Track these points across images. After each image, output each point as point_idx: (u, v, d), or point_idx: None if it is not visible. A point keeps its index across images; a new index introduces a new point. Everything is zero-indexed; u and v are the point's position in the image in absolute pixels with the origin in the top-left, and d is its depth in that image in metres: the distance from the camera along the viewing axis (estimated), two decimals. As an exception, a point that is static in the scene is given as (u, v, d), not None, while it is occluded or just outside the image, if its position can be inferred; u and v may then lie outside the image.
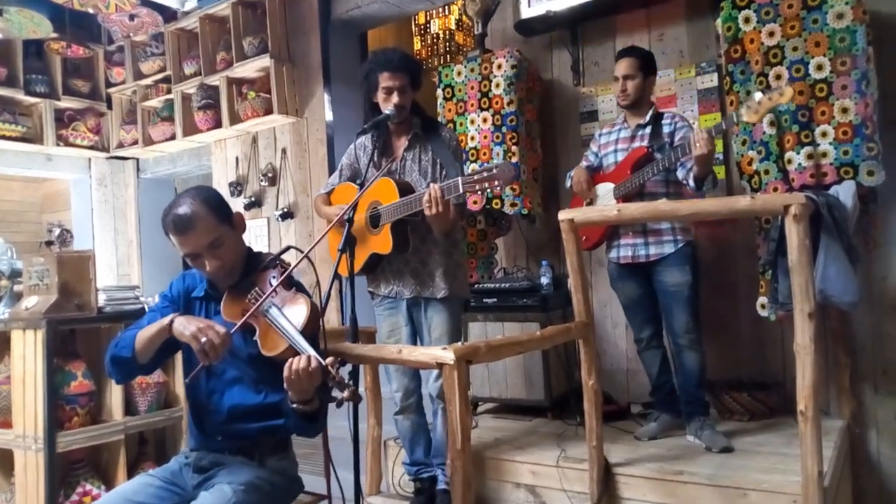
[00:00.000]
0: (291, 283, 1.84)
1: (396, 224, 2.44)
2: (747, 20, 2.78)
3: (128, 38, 5.23)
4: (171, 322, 1.71)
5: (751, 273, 3.03)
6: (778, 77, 2.71)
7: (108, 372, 1.89)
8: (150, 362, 1.82)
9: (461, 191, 2.21)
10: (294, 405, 1.64)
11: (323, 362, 1.58)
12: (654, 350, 2.87)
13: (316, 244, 2.00)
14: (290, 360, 1.58)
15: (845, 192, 2.55)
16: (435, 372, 2.51)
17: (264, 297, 1.74)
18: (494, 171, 2.12)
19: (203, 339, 1.61)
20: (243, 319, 1.71)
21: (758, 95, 2.37)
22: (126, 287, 3.48)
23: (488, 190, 2.18)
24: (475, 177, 2.16)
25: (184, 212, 1.75)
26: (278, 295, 1.77)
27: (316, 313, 1.75)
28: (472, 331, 3.29)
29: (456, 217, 2.48)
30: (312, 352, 1.60)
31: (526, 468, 2.58)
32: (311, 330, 1.70)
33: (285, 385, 1.60)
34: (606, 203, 2.83)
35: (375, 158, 2.60)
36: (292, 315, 1.71)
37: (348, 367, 1.98)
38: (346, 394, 1.58)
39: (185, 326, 1.67)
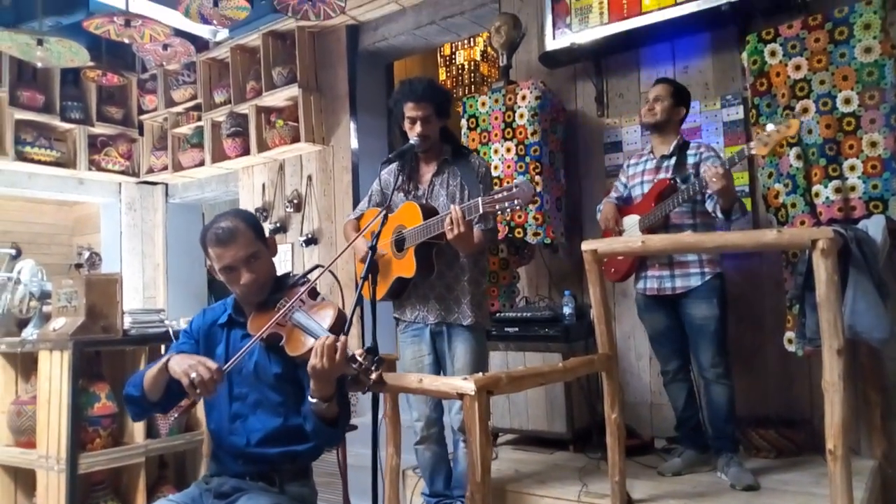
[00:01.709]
0: (317, 295, 1.87)
1: (420, 247, 2.44)
2: (773, 53, 2.78)
3: (161, 67, 5.38)
4: (168, 360, 1.75)
5: (778, 307, 2.98)
6: (805, 110, 2.70)
7: (126, 409, 1.93)
8: (162, 400, 1.84)
9: (481, 210, 2.22)
10: (314, 402, 1.66)
11: (349, 351, 1.61)
12: (680, 383, 2.83)
13: (339, 256, 2.04)
14: (317, 341, 1.61)
15: (875, 227, 2.51)
16: (458, 402, 2.50)
17: (290, 303, 1.77)
18: (514, 190, 2.13)
19: (193, 375, 1.63)
20: (269, 325, 1.74)
21: (769, 127, 2.40)
22: (152, 310, 3.52)
23: (508, 210, 2.18)
24: (495, 196, 2.17)
25: (226, 225, 1.83)
26: (305, 304, 1.80)
27: (343, 317, 1.77)
28: (492, 360, 3.26)
29: (482, 240, 2.48)
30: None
31: (546, 502, 2.53)
32: (338, 331, 1.71)
33: (308, 372, 1.62)
34: (633, 235, 2.82)
35: (402, 184, 2.62)
36: (319, 318, 1.74)
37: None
38: (374, 376, 1.61)
39: (178, 364, 1.70)
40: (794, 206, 2.71)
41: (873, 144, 2.56)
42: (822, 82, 2.68)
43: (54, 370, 2.92)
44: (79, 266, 4.43)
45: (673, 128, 2.86)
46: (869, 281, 2.42)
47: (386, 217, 2.29)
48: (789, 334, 2.74)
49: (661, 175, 2.82)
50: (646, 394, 3.44)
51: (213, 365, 1.67)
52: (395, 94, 2.61)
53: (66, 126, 5.24)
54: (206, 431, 3.15)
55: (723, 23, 3.20)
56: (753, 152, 2.42)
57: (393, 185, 2.57)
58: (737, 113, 3.26)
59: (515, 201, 2.13)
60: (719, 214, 2.57)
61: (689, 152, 2.79)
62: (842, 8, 2.66)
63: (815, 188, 2.66)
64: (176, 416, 1.69)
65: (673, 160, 2.81)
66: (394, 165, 2.67)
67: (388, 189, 2.69)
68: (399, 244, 2.52)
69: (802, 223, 2.67)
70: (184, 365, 1.68)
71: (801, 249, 2.61)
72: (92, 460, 2.90)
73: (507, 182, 3.43)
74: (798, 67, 2.73)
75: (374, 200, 2.76)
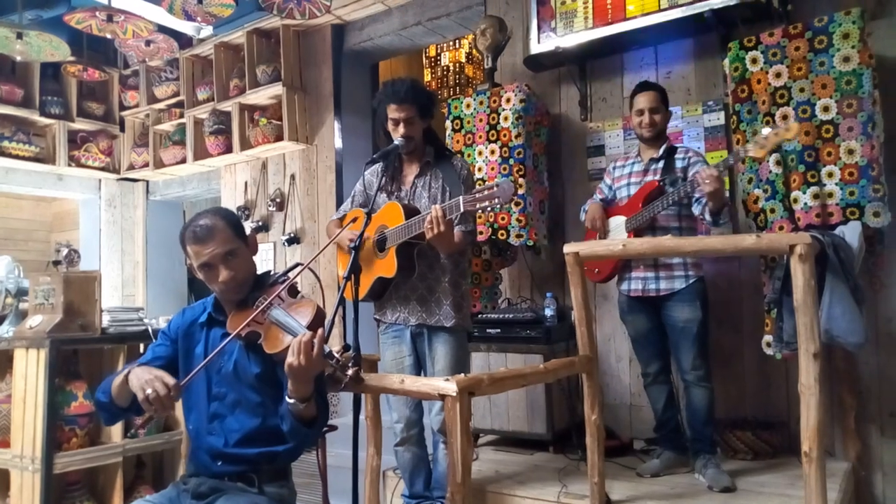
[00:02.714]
0: (297, 293, 1.87)
1: (402, 247, 2.44)
2: (754, 61, 2.82)
3: (143, 63, 5.33)
4: (129, 372, 1.74)
5: (756, 310, 3.02)
6: (785, 117, 2.73)
7: (98, 414, 1.92)
8: (133, 405, 1.82)
9: (462, 208, 2.23)
10: (291, 402, 1.65)
11: (326, 348, 1.61)
12: (661, 385, 2.85)
13: (320, 253, 2.04)
14: (294, 339, 1.60)
15: (851, 233, 2.55)
16: (438, 404, 2.50)
17: (269, 300, 1.77)
18: (495, 189, 2.14)
19: (148, 391, 1.61)
20: (245, 322, 1.73)
21: (765, 131, 2.43)
22: (130, 308, 3.48)
23: (489, 208, 2.19)
24: (476, 195, 2.18)
25: (204, 223, 1.83)
26: (284, 302, 1.80)
27: (322, 315, 1.76)
28: (474, 361, 3.27)
29: (462, 241, 2.49)
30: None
31: (527, 503, 2.54)
32: (317, 329, 1.71)
33: (286, 370, 1.61)
34: (618, 236, 2.83)
35: (385, 185, 2.62)
36: (298, 315, 1.74)
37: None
38: (350, 372, 1.61)
39: (137, 377, 1.68)
40: (772, 211, 2.75)
41: (851, 152, 2.61)
42: (801, 90, 2.72)
43: (30, 368, 2.88)
44: (57, 263, 4.37)
45: (664, 132, 2.89)
46: (845, 286, 2.46)
47: (369, 218, 2.29)
48: (767, 338, 2.77)
49: (649, 178, 2.83)
50: (625, 395, 3.47)
51: (170, 381, 1.65)
52: (379, 94, 2.61)
53: (46, 121, 5.16)
54: (185, 431, 3.14)
55: (705, 30, 3.23)
56: (750, 154, 2.43)
57: (376, 185, 2.57)
58: (718, 119, 3.30)
59: (496, 200, 2.14)
60: (707, 217, 2.59)
61: (677, 156, 2.81)
62: (821, 17, 2.70)
63: (793, 194, 2.70)
64: (139, 429, 1.67)
65: (661, 163, 2.83)
66: (377, 166, 2.67)
67: (371, 190, 2.68)
68: (381, 244, 2.52)
69: (781, 228, 2.71)
70: (142, 379, 1.66)
71: (779, 254, 2.64)
72: (68, 460, 2.87)
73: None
74: (778, 75, 2.76)
75: (357, 201, 2.75)
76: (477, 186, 2.57)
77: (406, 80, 2.60)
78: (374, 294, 2.61)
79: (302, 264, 1.93)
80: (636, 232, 2.76)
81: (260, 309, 1.75)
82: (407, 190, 2.63)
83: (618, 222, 2.87)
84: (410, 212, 2.45)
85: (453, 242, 2.41)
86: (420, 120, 2.55)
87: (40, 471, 2.77)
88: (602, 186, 3.07)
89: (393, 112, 2.52)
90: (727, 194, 2.65)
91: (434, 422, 2.55)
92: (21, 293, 3.26)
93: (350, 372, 1.62)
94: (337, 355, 1.61)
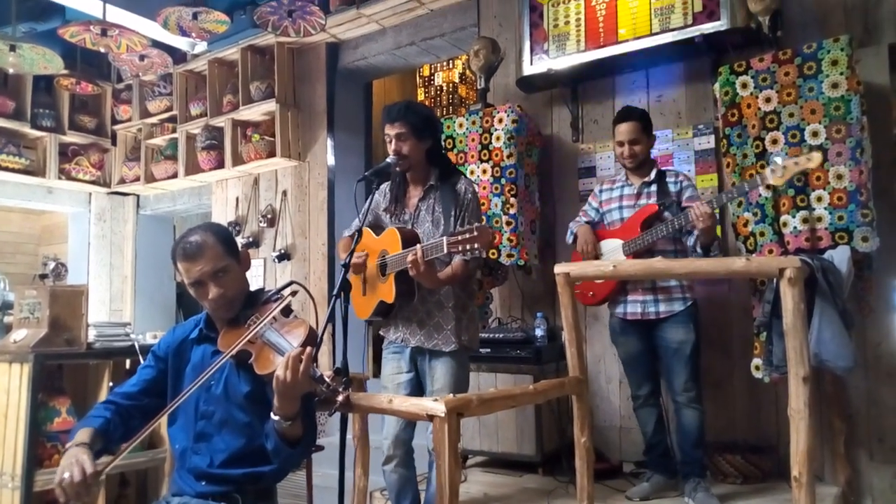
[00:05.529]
0: (289, 312, 1.85)
1: (400, 274, 2.45)
2: (745, 86, 2.85)
3: (137, 78, 5.33)
4: (72, 442, 1.70)
5: (746, 333, 3.02)
6: (774, 142, 2.76)
7: None
8: (109, 445, 1.79)
9: (445, 250, 2.24)
10: (276, 420, 1.63)
11: (317, 371, 1.60)
12: (651, 408, 2.84)
13: (315, 278, 2.01)
14: (284, 355, 1.59)
15: (840, 257, 2.57)
16: (434, 424, 2.47)
17: (262, 319, 1.75)
18: (476, 233, 2.15)
19: (65, 476, 1.57)
20: (237, 344, 1.71)
21: (778, 159, 2.45)
22: (117, 323, 3.45)
23: (469, 252, 2.21)
24: (458, 237, 2.19)
25: (194, 240, 1.80)
26: (277, 322, 1.78)
27: (314, 336, 1.75)
28: (464, 381, 3.26)
29: (464, 269, 2.47)
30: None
31: (514, 526, 2.52)
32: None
33: (273, 385, 1.59)
34: (616, 259, 2.83)
35: (388, 205, 2.64)
36: (291, 336, 1.72)
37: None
38: (341, 398, 1.60)
39: (66, 455, 1.64)
40: (762, 234, 2.76)
41: (839, 177, 2.63)
42: (791, 115, 2.75)
43: (13, 383, 2.83)
44: (44, 276, 4.34)
45: (648, 158, 2.90)
46: (834, 310, 2.47)
47: (360, 235, 2.30)
48: (756, 361, 2.78)
49: (644, 201, 2.84)
50: (615, 417, 3.45)
51: (88, 469, 1.59)
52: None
53: (37, 133, 5.16)
54: (169, 449, 3.09)
55: (696, 54, 3.27)
56: (770, 182, 2.45)
57: (382, 205, 2.58)
58: (708, 142, 3.32)
59: (475, 244, 2.15)
60: (699, 250, 2.61)
61: (668, 179, 2.83)
62: (811, 44, 2.74)
63: (783, 218, 2.72)
64: None
65: (654, 187, 2.83)
66: (385, 185, 2.68)
67: (378, 209, 2.68)
68: (382, 269, 2.53)
69: (770, 252, 2.72)
70: (65, 460, 1.61)
71: (768, 278, 2.65)
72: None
73: (483, 204, 3.44)
74: (768, 100, 2.79)
75: (366, 219, 2.76)
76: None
77: (403, 101, 2.64)
78: (378, 314, 2.61)
79: (296, 282, 1.92)
80: (636, 255, 2.76)
81: (251, 331, 1.74)
82: (411, 213, 2.62)
83: (613, 245, 2.86)
84: (408, 239, 2.45)
85: (436, 280, 2.42)
86: (416, 139, 2.54)
87: (20, 488, 2.72)
88: (587, 209, 3.06)
89: (387, 129, 2.54)
90: (717, 226, 2.68)
91: (429, 440, 2.53)
92: (6, 306, 3.23)
93: (340, 398, 1.61)
94: (328, 379, 1.60)
